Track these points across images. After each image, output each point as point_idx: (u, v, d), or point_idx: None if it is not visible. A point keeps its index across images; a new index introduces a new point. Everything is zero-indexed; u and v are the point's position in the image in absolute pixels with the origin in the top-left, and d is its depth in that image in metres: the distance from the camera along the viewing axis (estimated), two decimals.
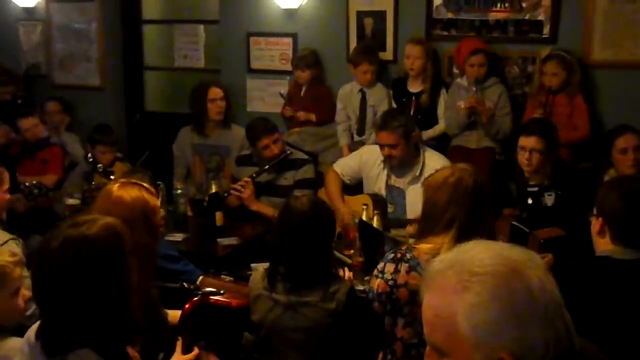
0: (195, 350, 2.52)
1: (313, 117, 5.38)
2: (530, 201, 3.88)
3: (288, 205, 2.84)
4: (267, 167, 4.45)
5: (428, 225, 2.52)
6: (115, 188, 2.62)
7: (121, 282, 1.88)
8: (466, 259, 1.29)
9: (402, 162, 4.10)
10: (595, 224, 2.42)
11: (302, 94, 5.46)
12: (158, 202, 2.78)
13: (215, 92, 5.13)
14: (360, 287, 3.20)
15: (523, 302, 1.22)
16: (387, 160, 4.12)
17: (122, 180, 2.73)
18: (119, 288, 1.87)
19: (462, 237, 2.38)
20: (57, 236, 1.85)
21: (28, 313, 2.87)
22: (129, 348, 1.95)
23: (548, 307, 1.23)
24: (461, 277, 1.26)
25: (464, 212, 2.44)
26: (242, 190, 4.39)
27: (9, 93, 5.80)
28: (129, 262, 1.92)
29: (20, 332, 2.50)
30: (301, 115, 5.40)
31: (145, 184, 2.73)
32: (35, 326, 1.94)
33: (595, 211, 2.44)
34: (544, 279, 1.26)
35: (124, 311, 1.88)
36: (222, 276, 3.20)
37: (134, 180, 2.72)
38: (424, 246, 2.47)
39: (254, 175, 4.45)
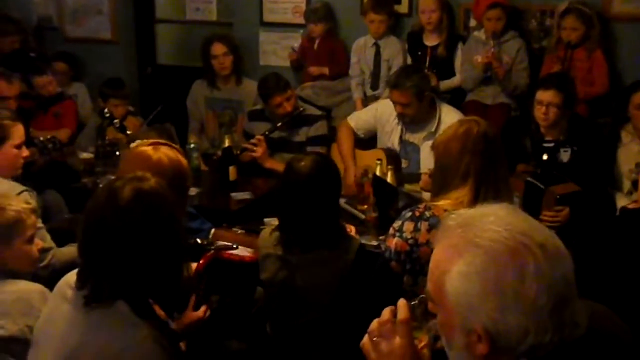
0: (205, 307, 2.52)
1: (326, 70, 5.32)
2: (545, 157, 3.84)
3: (291, 167, 2.78)
4: (280, 124, 4.41)
5: (445, 180, 2.49)
6: (151, 151, 2.52)
7: (179, 240, 1.89)
8: (475, 225, 1.27)
9: (415, 119, 4.08)
10: None
11: (315, 47, 5.40)
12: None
13: (217, 49, 5.09)
14: (374, 243, 3.20)
15: (510, 286, 1.19)
16: (401, 117, 4.09)
17: (152, 141, 2.62)
18: (176, 245, 1.88)
19: (481, 186, 2.39)
20: (124, 188, 1.83)
21: (43, 264, 2.90)
22: (155, 306, 1.95)
23: (539, 297, 1.19)
24: (462, 241, 1.25)
25: (479, 159, 2.41)
26: (255, 149, 4.37)
27: (17, 42, 5.75)
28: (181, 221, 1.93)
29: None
30: (314, 70, 5.35)
31: (176, 146, 2.69)
32: (72, 274, 1.93)
33: None
34: (545, 270, 1.20)
35: (173, 271, 1.89)
36: (234, 229, 3.20)
37: (164, 142, 2.66)
38: (444, 202, 2.44)
39: (267, 133, 4.42)
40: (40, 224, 2.94)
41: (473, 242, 1.23)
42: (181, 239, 1.93)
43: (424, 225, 2.47)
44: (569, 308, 1.21)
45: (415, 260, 2.49)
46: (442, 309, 1.29)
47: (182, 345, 2.14)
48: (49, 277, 2.81)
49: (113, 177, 4.00)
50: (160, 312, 2.00)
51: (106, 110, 4.62)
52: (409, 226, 2.50)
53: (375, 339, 1.39)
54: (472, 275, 1.22)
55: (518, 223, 1.25)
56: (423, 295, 1.41)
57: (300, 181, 2.70)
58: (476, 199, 2.37)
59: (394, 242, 2.52)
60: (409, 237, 2.48)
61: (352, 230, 3.20)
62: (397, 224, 2.55)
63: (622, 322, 1.38)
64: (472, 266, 1.22)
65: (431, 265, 1.32)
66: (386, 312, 1.41)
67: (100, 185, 3.93)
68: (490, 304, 1.20)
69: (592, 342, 1.28)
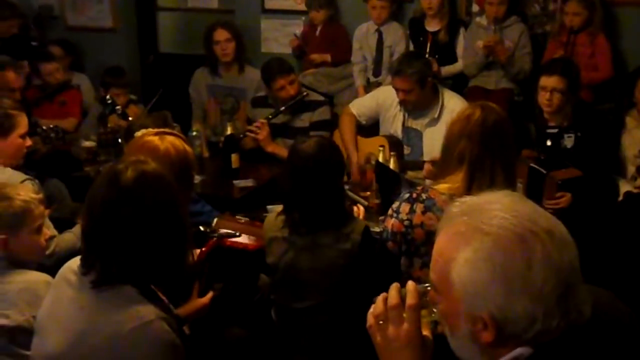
0: (210, 294, 2.53)
1: (328, 57, 5.30)
2: (549, 143, 3.83)
3: (295, 148, 2.81)
4: (282, 108, 4.40)
5: (444, 163, 2.50)
6: (157, 141, 2.51)
7: (184, 223, 1.89)
8: (481, 211, 1.26)
9: (417, 105, 4.06)
10: None
11: (317, 34, 5.38)
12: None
13: (220, 34, 5.06)
14: (377, 229, 3.20)
15: (518, 272, 1.19)
16: (402, 104, 4.07)
17: (158, 130, 2.62)
18: (181, 228, 1.87)
19: (475, 172, 2.37)
20: (127, 170, 1.82)
21: (48, 252, 2.90)
22: (159, 291, 1.96)
23: (546, 284, 1.19)
24: (468, 228, 1.25)
25: (475, 145, 2.40)
26: (258, 132, 4.36)
27: (14, 27, 5.73)
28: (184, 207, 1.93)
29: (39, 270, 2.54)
30: (316, 57, 5.33)
31: (180, 134, 2.69)
32: (74, 260, 1.93)
33: None
34: (553, 256, 1.20)
35: (179, 254, 1.88)
36: (238, 217, 3.20)
37: (169, 131, 2.66)
38: (441, 186, 2.45)
39: (270, 116, 4.41)
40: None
41: (479, 229, 1.23)
42: (185, 222, 1.92)
43: (419, 207, 2.47)
44: (575, 294, 1.21)
45: (410, 242, 2.50)
46: (445, 298, 1.28)
47: (186, 328, 2.15)
48: (54, 265, 2.83)
49: None
50: (163, 298, 2.00)
51: (108, 97, 4.61)
52: (405, 207, 2.51)
53: (381, 322, 1.38)
54: (479, 262, 1.21)
55: (524, 210, 1.25)
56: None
57: (305, 161, 2.73)
58: (470, 185, 2.37)
59: (390, 223, 2.54)
60: (405, 218, 2.49)
61: (360, 210, 3.20)
62: (395, 205, 2.57)
63: (624, 306, 1.37)
64: (479, 253, 1.21)
65: (434, 253, 1.31)
66: (394, 295, 1.38)
67: None
68: (497, 291, 1.19)
69: (595, 327, 1.27)
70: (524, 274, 1.18)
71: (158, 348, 1.75)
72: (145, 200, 1.80)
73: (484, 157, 2.39)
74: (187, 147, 2.61)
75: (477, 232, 1.23)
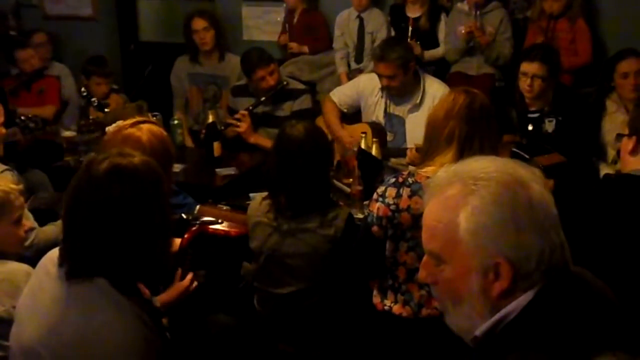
0: (190, 275, 2.52)
1: (306, 48, 5.30)
2: (530, 127, 3.85)
3: (283, 133, 2.82)
4: (263, 99, 4.38)
5: (430, 146, 2.52)
6: (138, 132, 2.49)
7: (161, 218, 1.84)
8: (471, 169, 1.33)
9: (400, 91, 4.06)
10: (628, 143, 2.38)
11: (295, 21, 5.36)
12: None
13: (198, 23, 5.04)
14: (360, 215, 3.20)
15: (523, 209, 1.26)
16: (386, 90, 4.07)
17: (132, 121, 2.57)
18: (156, 222, 1.83)
19: (464, 151, 2.41)
20: (102, 162, 1.80)
21: (27, 243, 2.88)
22: (140, 284, 1.94)
23: (547, 218, 1.28)
24: (466, 182, 1.30)
25: (463, 124, 2.44)
26: (239, 124, 4.35)
27: None
28: (167, 202, 1.90)
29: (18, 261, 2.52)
30: (294, 46, 5.32)
31: (157, 122, 2.67)
32: (54, 251, 1.91)
33: (628, 131, 2.40)
34: (544, 192, 1.31)
35: (155, 249, 1.85)
36: (220, 205, 3.19)
37: (142, 118, 2.64)
38: (427, 169, 2.47)
39: (251, 107, 4.39)
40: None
41: (479, 178, 1.29)
42: (166, 218, 1.88)
43: (405, 191, 2.48)
44: (560, 229, 1.31)
45: (397, 226, 2.51)
46: (452, 261, 1.30)
47: (164, 320, 2.13)
48: (34, 257, 2.81)
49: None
50: (144, 290, 1.99)
51: (83, 89, 4.58)
52: (391, 192, 2.52)
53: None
54: (488, 206, 1.26)
55: (506, 162, 1.35)
56: None
57: (294, 146, 2.75)
58: (459, 159, 2.38)
59: (376, 207, 2.55)
60: (391, 202, 2.50)
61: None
62: (380, 189, 2.57)
63: (603, 283, 1.39)
64: (486, 198, 1.27)
65: (428, 223, 1.34)
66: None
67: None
68: (509, 230, 1.25)
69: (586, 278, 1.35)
70: (528, 210, 1.26)
71: (127, 344, 1.72)
72: (113, 192, 1.75)
73: (473, 136, 2.44)
74: (164, 132, 2.61)
75: (478, 180, 1.29)
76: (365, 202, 3.06)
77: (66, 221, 1.82)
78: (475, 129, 2.46)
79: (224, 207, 3.22)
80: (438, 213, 1.32)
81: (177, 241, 2.61)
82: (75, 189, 1.80)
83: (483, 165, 1.33)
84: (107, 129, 2.67)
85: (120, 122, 2.62)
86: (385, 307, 2.61)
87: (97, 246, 1.76)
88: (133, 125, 2.53)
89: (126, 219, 1.76)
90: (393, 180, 2.56)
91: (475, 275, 1.28)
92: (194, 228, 2.64)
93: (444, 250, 1.31)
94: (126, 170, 1.80)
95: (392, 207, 2.50)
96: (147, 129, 2.51)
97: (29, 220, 2.89)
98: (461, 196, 1.29)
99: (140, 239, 1.79)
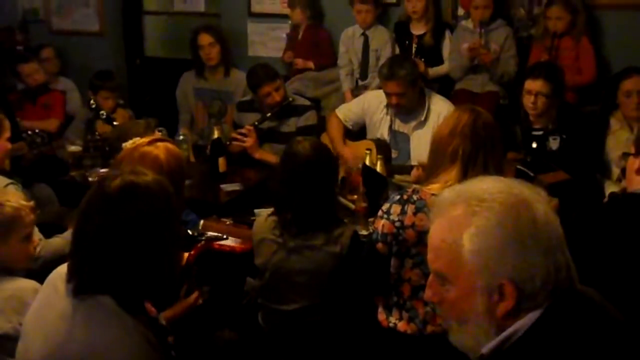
0: (196, 293, 2.52)
1: (311, 64, 5.32)
2: (534, 145, 3.86)
3: (290, 149, 2.83)
4: (269, 114, 4.40)
5: (435, 163, 2.53)
6: (154, 150, 2.50)
7: (170, 237, 1.84)
8: (475, 189, 1.34)
9: (408, 108, 4.07)
10: (634, 162, 2.40)
11: (299, 38, 5.38)
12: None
13: (203, 39, 5.09)
14: (364, 232, 3.20)
15: (527, 230, 1.27)
16: (395, 107, 4.08)
17: (149, 139, 2.60)
18: (166, 242, 1.83)
19: (468, 168, 2.42)
20: (115, 179, 1.81)
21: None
22: (146, 303, 1.94)
23: (551, 238, 1.28)
24: (470, 203, 1.31)
25: (468, 142, 2.45)
26: (245, 139, 4.36)
27: None
28: (177, 221, 1.90)
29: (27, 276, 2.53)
30: (299, 62, 5.34)
31: (171, 141, 2.68)
32: (63, 266, 1.92)
33: (633, 149, 2.42)
34: (548, 212, 1.31)
35: (163, 267, 1.85)
36: (223, 220, 3.20)
37: (158, 137, 2.66)
38: (432, 186, 2.48)
39: (256, 123, 4.41)
40: None
41: (483, 199, 1.30)
42: (176, 237, 1.88)
43: (410, 208, 2.49)
44: (565, 248, 1.31)
45: (401, 243, 2.52)
46: (456, 281, 1.31)
47: (170, 339, 2.13)
48: (40, 269, 2.81)
49: (101, 170, 4.01)
50: (151, 309, 1.99)
51: (92, 102, 4.59)
52: (396, 208, 2.53)
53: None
54: (492, 229, 1.27)
55: (510, 182, 1.35)
56: None
57: (301, 163, 2.76)
58: (463, 181, 2.38)
59: (381, 224, 2.55)
60: (396, 219, 2.51)
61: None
62: (385, 207, 2.58)
63: (608, 303, 1.39)
64: (491, 219, 1.28)
65: (434, 242, 1.35)
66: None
67: (90, 179, 3.94)
68: (513, 252, 1.26)
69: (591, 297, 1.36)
70: (532, 231, 1.27)
71: None
72: (125, 210, 1.76)
73: (477, 154, 2.45)
74: (179, 150, 2.63)
75: (482, 202, 1.30)
76: (371, 219, 3.07)
77: (76, 237, 1.83)
78: (479, 146, 2.47)
79: (227, 222, 3.23)
80: (443, 233, 1.33)
81: (184, 256, 2.62)
82: (87, 205, 1.81)
83: (488, 186, 1.33)
84: (123, 145, 2.67)
85: (137, 140, 2.63)
86: (390, 324, 2.61)
87: (106, 263, 1.76)
88: (150, 143, 2.55)
89: (136, 238, 1.76)
90: (398, 197, 2.56)
91: (480, 295, 1.29)
92: (199, 244, 2.65)
93: (448, 270, 1.32)
94: (139, 189, 1.80)
95: (397, 223, 2.51)
96: (164, 147, 2.54)
97: (35, 234, 2.89)
98: (465, 217, 1.30)
99: (150, 258, 1.79)
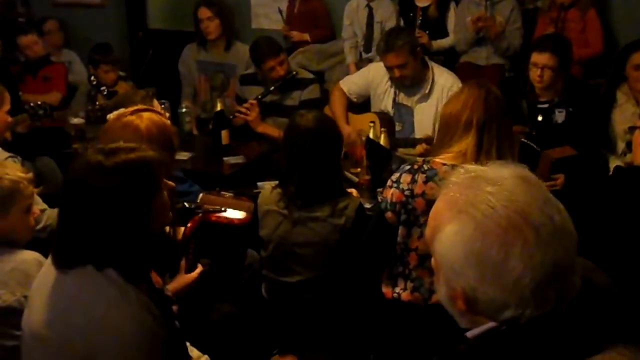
0: (199, 268, 2.52)
1: (307, 36, 5.28)
2: (540, 118, 3.83)
3: (293, 122, 2.82)
4: (272, 88, 4.37)
5: (446, 135, 2.52)
6: (136, 120, 2.47)
7: (146, 208, 1.84)
8: (477, 188, 1.24)
9: (412, 80, 4.03)
10: None
11: (295, 10, 5.33)
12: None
13: (203, 12, 5.03)
14: (367, 205, 3.20)
15: (492, 262, 1.17)
16: (399, 80, 4.03)
17: (132, 109, 2.56)
18: (144, 213, 1.84)
19: (484, 136, 2.43)
20: (108, 155, 1.81)
21: (40, 226, 2.89)
22: (152, 273, 1.95)
23: (522, 278, 1.16)
24: (463, 202, 1.23)
25: (482, 112, 2.46)
26: (248, 112, 4.34)
27: None
28: (163, 193, 1.91)
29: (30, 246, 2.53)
30: (295, 34, 5.30)
31: (159, 110, 2.66)
32: None
33: None
34: (533, 254, 1.17)
35: (150, 235, 1.86)
36: (223, 192, 3.18)
37: (143, 107, 2.62)
38: (444, 156, 2.49)
39: (260, 96, 4.38)
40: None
41: (467, 209, 1.22)
42: (159, 207, 1.87)
43: (420, 177, 2.50)
44: (557, 285, 1.19)
45: (410, 211, 2.52)
46: (434, 259, 1.31)
47: (174, 308, 2.13)
48: (47, 238, 2.82)
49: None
50: (157, 279, 1.99)
51: (92, 78, 4.57)
52: (406, 178, 2.53)
53: None
54: (457, 242, 1.21)
55: (519, 198, 1.20)
56: None
57: (304, 136, 2.75)
58: (479, 148, 2.43)
59: (390, 193, 2.56)
60: (406, 188, 2.52)
61: (353, 193, 3.21)
62: (394, 176, 2.59)
63: (605, 276, 1.37)
64: (459, 235, 1.21)
65: (432, 212, 1.32)
66: None
67: None
68: (470, 273, 1.20)
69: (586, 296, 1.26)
70: (499, 265, 1.17)
71: (130, 334, 1.73)
72: (107, 181, 1.77)
73: (491, 122, 2.46)
74: (165, 120, 2.59)
75: (464, 212, 1.22)
76: (379, 190, 3.05)
77: (62, 208, 1.84)
78: (492, 116, 2.47)
79: (227, 194, 3.21)
80: (437, 211, 1.30)
81: (181, 229, 2.62)
82: (65, 179, 1.85)
83: (490, 197, 1.21)
84: (108, 116, 2.66)
85: (121, 110, 2.61)
86: (395, 295, 2.62)
87: (90, 234, 1.78)
88: (133, 112, 2.52)
89: (113, 212, 1.78)
90: (408, 167, 2.57)
91: (443, 283, 1.27)
92: (197, 217, 2.63)
93: (429, 243, 1.31)
94: (132, 162, 1.81)
95: (407, 192, 2.51)
96: (147, 117, 2.49)
97: (38, 205, 2.89)
98: (451, 213, 1.24)
99: (135, 227, 1.80)
